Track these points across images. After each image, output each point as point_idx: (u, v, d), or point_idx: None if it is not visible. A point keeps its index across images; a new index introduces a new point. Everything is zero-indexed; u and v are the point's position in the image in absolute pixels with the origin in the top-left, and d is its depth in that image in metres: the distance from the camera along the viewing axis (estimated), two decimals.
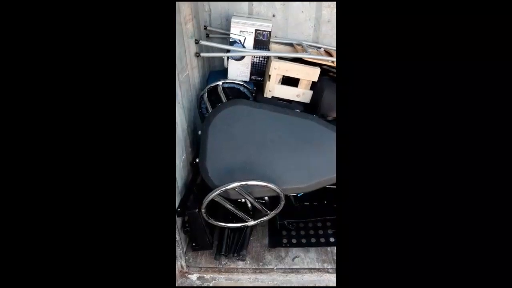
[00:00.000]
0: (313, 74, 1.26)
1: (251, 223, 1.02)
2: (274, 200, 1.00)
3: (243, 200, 0.98)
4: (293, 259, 1.02)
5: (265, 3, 1.44)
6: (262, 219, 1.01)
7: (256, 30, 1.32)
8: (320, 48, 1.49)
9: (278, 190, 0.92)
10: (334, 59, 1.36)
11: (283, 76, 1.29)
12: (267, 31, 1.33)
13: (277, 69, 1.24)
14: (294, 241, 1.04)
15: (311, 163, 0.97)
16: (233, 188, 0.88)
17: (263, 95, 1.31)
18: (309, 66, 1.29)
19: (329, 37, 1.53)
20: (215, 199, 0.91)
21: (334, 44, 1.56)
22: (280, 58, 1.37)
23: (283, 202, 0.97)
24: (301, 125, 0.97)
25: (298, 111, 1.05)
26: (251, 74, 1.41)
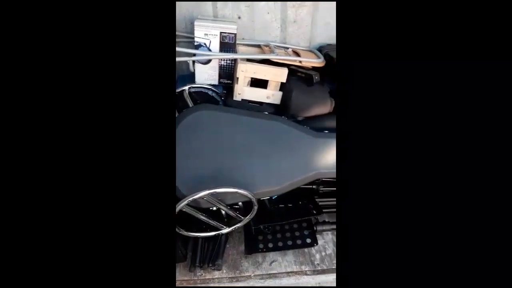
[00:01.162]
0: (281, 75, 1.24)
1: (225, 230, 0.98)
2: (249, 205, 0.96)
3: (214, 208, 0.94)
4: (270, 264, 0.99)
5: (230, 5, 1.41)
6: (236, 225, 0.97)
7: (221, 32, 1.28)
8: (288, 48, 1.48)
9: (249, 195, 0.88)
10: (302, 58, 1.35)
11: (252, 78, 1.27)
12: (233, 33, 1.30)
13: (244, 72, 1.21)
14: (270, 245, 1.01)
15: (281, 165, 0.94)
16: (202, 197, 0.84)
17: (233, 98, 1.28)
18: (277, 67, 1.27)
19: (296, 37, 1.52)
20: (184, 209, 0.86)
21: (302, 44, 1.55)
22: (249, 60, 1.35)
23: (256, 207, 0.93)
24: (269, 127, 0.94)
25: (266, 113, 1.02)
26: (220, 77, 1.37)
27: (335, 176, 0.99)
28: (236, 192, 0.87)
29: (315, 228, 1.04)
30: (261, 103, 1.28)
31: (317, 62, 1.35)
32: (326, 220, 1.12)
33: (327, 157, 0.96)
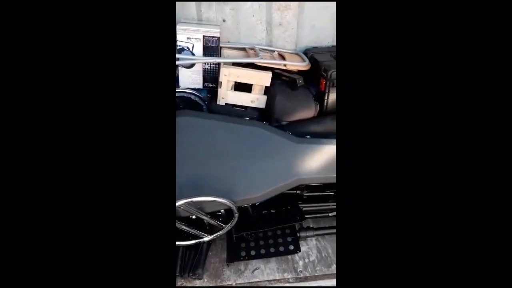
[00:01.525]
0: (265, 78, 1.22)
1: (206, 239, 0.96)
2: (231, 213, 0.94)
3: (193, 216, 0.92)
4: (252, 272, 0.97)
5: (214, 8, 1.38)
6: (217, 234, 0.95)
7: (204, 36, 1.26)
8: (273, 51, 1.46)
9: (228, 203, 0.86)
10: (286, 62, 1.33)
11: (236, 82, 1.25)
12: (216, 37, 1.28)
13: (228, 76, 1.19)
14: (253, 252, 0.99)
15: (262, 172, 0.92)
16: (179, 207, 0.82)
17: (216, 102, 1.25)
18: (261, 70, 1.25)
19: (282, 40, 1.50)
20: None
21: (288, 46, 1.53)
22: (234, 63, 1.33)
23: (236, 215, 0.91)
24: (249, 133, 0.92)
25: (247, 118, 1.00)
26: (205, 81, 1.34)
27: (316, 181, 0.97)
28: (215, 201, 0.85)
29: (298, 235, 1.03)
30: (245, 108, 1.26)
31: (302, 65, 1.33)
32: (311, 225, 1.11)
33: (308, 163, 0.94)
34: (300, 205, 1.08)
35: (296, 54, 1.47)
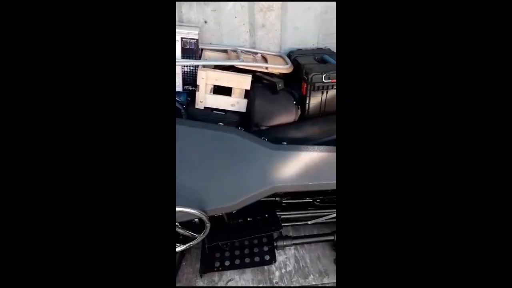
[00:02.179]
0: (245, 82, 1.17)
1: (178, 249, 0.92)
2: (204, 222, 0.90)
3: None
4: (226, 283, 0.93)
5: (195, 8, 1.34)
6: (189, 244, 0.91)
7: (182, 38, 1.21)
8: (257, 53, 1.42)
9: (197, 214, 0.82)
10: (268, 65, 1.29)
11: (215, 85, 1.20)
12: (194, 39, 1.23)
13: (205, 79, 1.14)
14: (227, 263, 0.95)
15: (235, 180, 0.88)
16: None
17: (195, 106, 1.21)
18: (240, 74, 1.20)
19: (265, 42, 1.45)
20: None
21: (272, 48, 1.48)
22: (216, 66, 1.29)
23: (208, 225, 0.87)
24: (222, 140, 0.88)
25: (221, 124, 0.96)
26: (184, 83, 1.29)
27: (292, 189, 0.93)
28: (182, 211, 0.81)
29: (275, 244, 0.99)
30: (225, 111, 1.22)
31: (284, 68, 1.29)
32: (290, 234, 1.07)
33: (284, 170, 0.90)
34: (278, 213, 1.04)
35: (280, 56, 1.43)
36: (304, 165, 0.90)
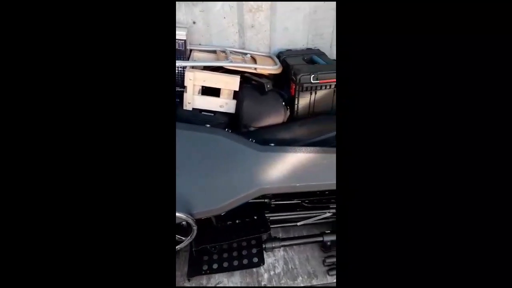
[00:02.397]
0: (233, 83, 1.16)
1: None
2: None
3: None
4: (215, 286, 0.92)
5: (183, 9, 1.33)
6: (176, 247, 0.90)
7: None
8: (246, 54, 1.41)
9: (183, 217, 0.81)
10: (256, 65, 1.28)
11: (204, 86, 1.19)
12: (182, 40, 1.22)
13: (193, 80, 1.13)
14: (215, 266, 0.94)
15: (222, 183, 0.87)
16: None
17: (183, 107, 1.20)
18: (229, 74, 1.19)
19: (255, 43, 1.44)
20: None
21: (262, 49, 1.47)
22: (205, 67, 1.27)
23: (195, 228, 0.86)
24: (208, 141, 0.87)
25: (208, 125, 0.95)
26: None
27: (280, 191, 0.93)
28: None
29: (264, 246, 0.98)
30: (214, 113, 1.21)
31: (273, 68, 1.28)
32: (280, 235, 1.06)
33: (271, 172, 0.89)
34: (267, 215, 1.04)
35: (269, 57, 1.42)
36: (291, 166, 0.90)
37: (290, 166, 0.90)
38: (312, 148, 0.92)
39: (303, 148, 0.91)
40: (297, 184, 0.90)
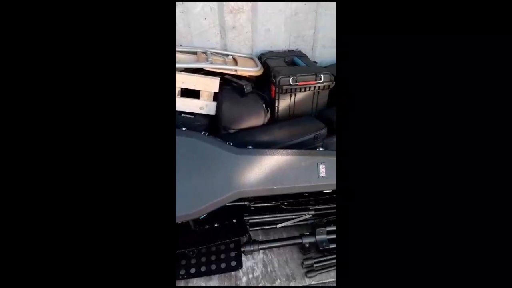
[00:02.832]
0: (213, 85, 1.15)
1: None
2: None
3: None
4: None
5: None
6: None
7: None
8: (228, 55, 1.40)
9: None
10: (237, 67, 1.27)
11: (183, 88, 1.17)
12: None
13: None
14: (193, 270, 0.92)
15: (198, 187, 0.85)
16: None
17: None
18: (208, 76, 1.18)
19: (237, 44, 1.44)
20: None
21: (244, 50, 1.47)
22: (186, 68, 1.26)
23: None
24: (184, 145, 0.86)
25: (184, 129, 0.93)
26: None
27: (257, 194, 0.92)
28: None
29: (242, 249, 0.97)
30: (194, 115, 1.19)
31: (253, 70, 1.28)
32: (260, 238, 1.05)
33: (248, 175, 0.88)
34: (247, 217, 1.03)
35: (251, 58, 1.42)
36: (268, 169, 0.89)
37: (267, 169, 0.89)
38: (289, 151, 0.91)
39: (280, 151, 0.91)
40: (274, 187, 0.89)
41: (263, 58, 1.34)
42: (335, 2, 1.36)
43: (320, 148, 0.99)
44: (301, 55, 1.38)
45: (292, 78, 1.12)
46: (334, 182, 0.93)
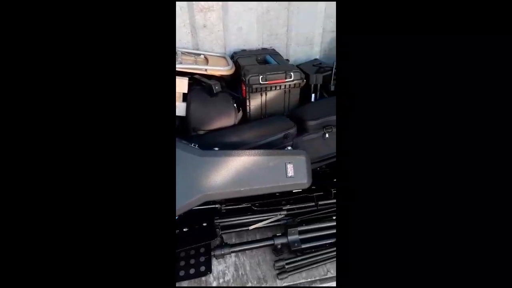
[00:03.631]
0: (181, 85, 1.12)
1: None
2: None
3: None
4: None
5: None
6: None
7: None
8: (200, 55, 1.36)
9: None
10: (207, 67, 1.24)
11: None
12: None
13: None
14: None
15: None
16: None
17: None
18: (178, 76, 1.15)
19: (209, 43, 1.40)
20: None
21: (217, 50, 1.43)
22: None
23: None
24: None
25: None
26: None
27: (224, 196, 0.89)
28: None
29: (212, 254, 0.94)
30: None
31: (224, 70, 1.25)
32: (234, 240, 1.03)
33: (213, 177, 0.86)
34: (218, 220, 1.00)
35: (223, 57, 1.39)
36: (234, 170, 0.86)
37: (233, 171, 0.86)
38: (256, 151, 0.89)
39: (247, 151, 0.88)
40: (242, 189, 0.87)
41: (235, 57, 1.32)
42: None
43: (289, 148, 0.97)
44: (274, 53, 1.36)
45: (262, 76, 1.09)
46: (302, 181, 0.91)
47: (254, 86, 1.10)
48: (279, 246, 0.97)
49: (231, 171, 0.86)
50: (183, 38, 1.36)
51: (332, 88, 1.26)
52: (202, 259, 0.94)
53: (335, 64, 1.23)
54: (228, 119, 1.10)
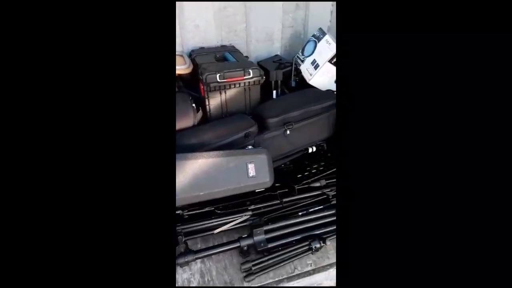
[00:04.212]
0: None
1: None
2: None
3: None
4: None
5: None
6: None
7: None
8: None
9: None
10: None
11: None
12: None
13: None
14: None
15: None
16: None
17: None
18: None
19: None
20: None
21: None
22: None
23: None
24: None
25: None
26: None
27: (182, 202, 0.85)
28: None
29: (176, 262, 0.90)
30: None
31: (181, 68, 1.19)
32: (199, 246, 0.99)
33: (177, 182, 0.81)
34: (181, 227, 0.95)
35: (181, 56, 1.33)
36: (192, 174, 0.82)
37: (191, 175, 0.82)
38: (215, 153, 0.85)
39: (205, 154, 0.84)
40: (201, 193, 0.83)
41: (193, 55, 1.26)
42: None
43: (250, 147, 0.94)
44: (233, 50, 1.33)
45: (219, 74, 1.06)
46: (265, 180, 0.89)
47: (212, 85, 1.06)
48: (245, 247, 0.95)
49: (189, 175, 0.82)
50: None
51: (293, 84, 1.25)
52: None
53: (294, 59, 1.23)
54: (187, 120, 1.05)
